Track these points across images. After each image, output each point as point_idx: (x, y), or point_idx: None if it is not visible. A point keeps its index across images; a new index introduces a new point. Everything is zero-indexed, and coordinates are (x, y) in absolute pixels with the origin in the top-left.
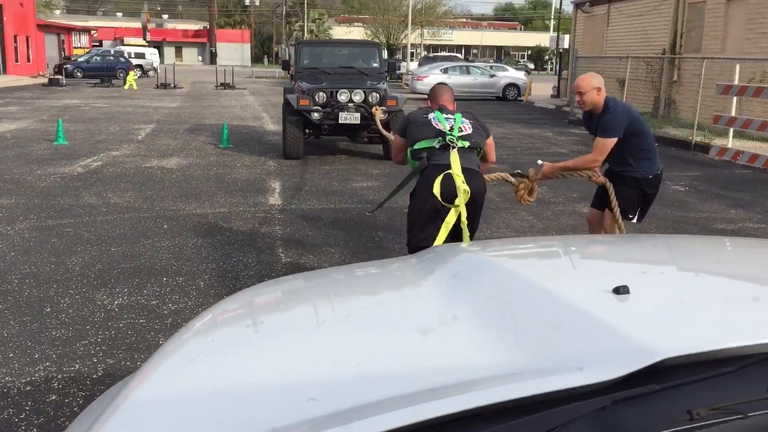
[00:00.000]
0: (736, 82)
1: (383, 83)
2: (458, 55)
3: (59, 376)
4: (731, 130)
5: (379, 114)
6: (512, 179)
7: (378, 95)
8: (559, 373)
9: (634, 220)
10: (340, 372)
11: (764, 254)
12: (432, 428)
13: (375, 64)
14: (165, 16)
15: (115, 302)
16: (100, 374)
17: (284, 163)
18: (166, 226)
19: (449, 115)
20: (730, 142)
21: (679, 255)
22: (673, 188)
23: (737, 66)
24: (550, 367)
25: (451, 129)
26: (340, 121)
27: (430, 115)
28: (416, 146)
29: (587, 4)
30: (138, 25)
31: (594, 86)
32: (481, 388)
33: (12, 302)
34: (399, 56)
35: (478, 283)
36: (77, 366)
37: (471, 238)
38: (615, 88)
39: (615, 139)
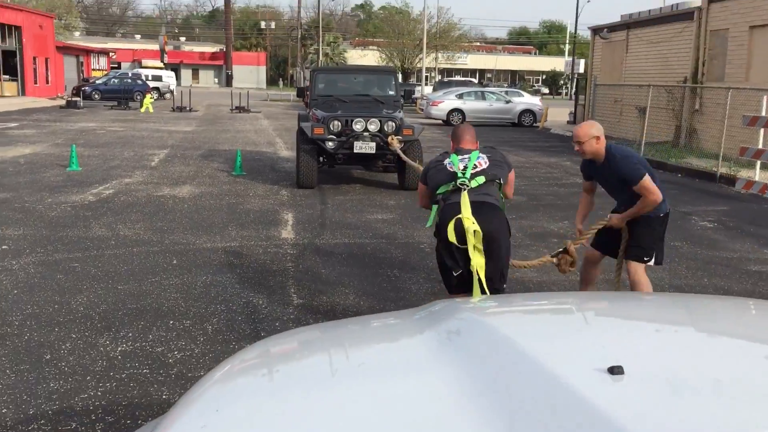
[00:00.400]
0: (764, 113)
1: (399, 111)
2: (473, 80)
3: None
4: (758, 162)
5: (395, 144)
6: (554, 260)
7: (394, 124)
8: None
9: (651, 263)
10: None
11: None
12: None
13: (391, 92)
14: (182, 39)
15: (119, 348)
16: None
17: (297, 192)
18: (175, 262)
19: (464, 156)
20: (757, 175)
21: (680, 324)
22: (700, 224)
23: (765, 97)
24: None
25: (464, 169)
26: (354, 151)
27: (446, 161)
28: (437, 192)
29: (605, 30)
30: (156, 47)
31: (593, 135)
32: None
33: (11, 347)
34: (413, 80)
35: (475, 349)
36: (74, 425)
37: (501, 279)
38: (635, 117)
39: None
